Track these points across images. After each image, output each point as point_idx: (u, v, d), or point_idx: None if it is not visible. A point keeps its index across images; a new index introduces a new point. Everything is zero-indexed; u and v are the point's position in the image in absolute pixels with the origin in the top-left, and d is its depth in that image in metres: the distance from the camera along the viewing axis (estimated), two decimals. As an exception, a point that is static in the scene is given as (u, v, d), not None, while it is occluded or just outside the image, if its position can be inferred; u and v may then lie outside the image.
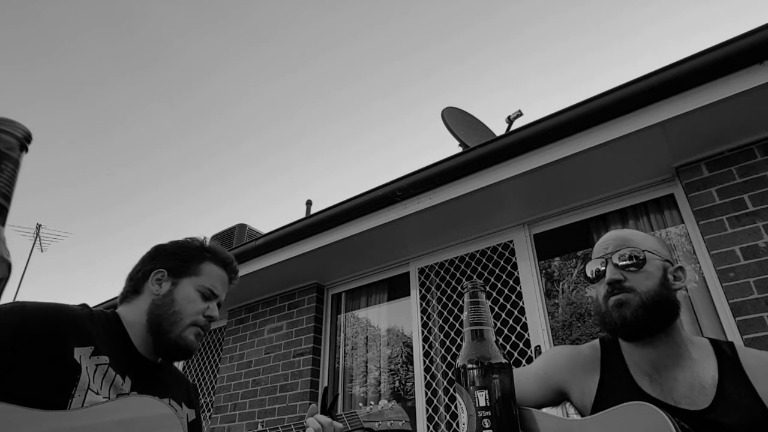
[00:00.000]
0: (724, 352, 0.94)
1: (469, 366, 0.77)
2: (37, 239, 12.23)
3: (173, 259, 1.15)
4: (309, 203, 5.24)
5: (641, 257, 0.97)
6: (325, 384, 3.50)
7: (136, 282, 1.14)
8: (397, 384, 4.39)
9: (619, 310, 0.95)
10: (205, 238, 1.24)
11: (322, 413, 1.13)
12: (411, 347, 3.29)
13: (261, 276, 3.71)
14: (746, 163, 2.25)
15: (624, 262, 0.98)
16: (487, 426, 0.72)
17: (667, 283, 0.97)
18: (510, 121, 3.96)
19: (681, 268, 1.00)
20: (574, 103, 2.37)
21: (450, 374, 3.00)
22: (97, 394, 0.91)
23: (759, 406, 0.84)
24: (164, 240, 1.23)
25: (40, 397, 0.83)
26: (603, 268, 1.00)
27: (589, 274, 1.04)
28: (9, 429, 0.73)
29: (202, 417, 1.26)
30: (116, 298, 1.18)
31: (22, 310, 0.89)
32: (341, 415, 1.18)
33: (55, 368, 0.87)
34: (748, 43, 1.97)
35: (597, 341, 1.08)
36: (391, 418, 1.27)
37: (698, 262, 2.35)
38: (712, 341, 0.98)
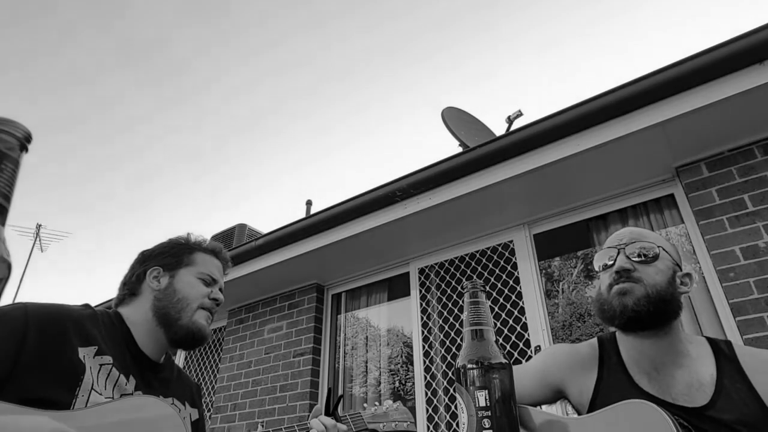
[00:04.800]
0: (722, 350, 0.94)
1: (469, 366, 0.77)
2: (37, 239, 12.23)
3: (164, 257, 1.17)
4: (309, 203, 5.24)
5: (654, 253, 0.98)
6: (326, 384, 3.51)
7: (131, 286, 1.14)
8: (397, 384, 4.40)
9: (621, 297, 0.94)
10: (189, 234, 1.25)
11: (326, 414, 1.12)
12: (411, 347, 3.29)
13: (261, 276, 3.71)
14: (746, 163, 2.25)
15: (635, 254, 0.98)
16: (487, 426, 0.72)
17: (675, 284, 0.97)
18: (510, 121, 3.96)
19: (689, 275, 1.01)
20: (574, 103, 2.37)
21: (450, 374, 3.00)
22: (101, 394, 0.91)
23: (757, 402, 0.85)
24: (160, 240, 1.24)
25: (43, 397, 0.83)
26: (614, 257, 1.00)
27: (597, 263, 1.04)
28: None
29: (205, 417, 1.26)
30: (112, 299, 1.18)
31: (25, 311, 0.89)
32: (346, 416, 1.18)
33: (59, 368, 0.87)
34: (748, 43, 1.97)
35: (595, 340, 1.09)
36: (396, 420, 1.26)
37: (698, 262, 2.35)
38: (710, 340, 0.98)
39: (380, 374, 3.59)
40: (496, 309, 2.96)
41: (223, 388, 3.95)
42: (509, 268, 3.01)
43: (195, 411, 1.18)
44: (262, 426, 3.42)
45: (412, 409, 3.05)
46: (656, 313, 0.93)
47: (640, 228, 1.06)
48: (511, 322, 2.88)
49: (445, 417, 2.91)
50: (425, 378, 3.09)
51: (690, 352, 0.96)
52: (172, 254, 1.18)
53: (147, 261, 1.17)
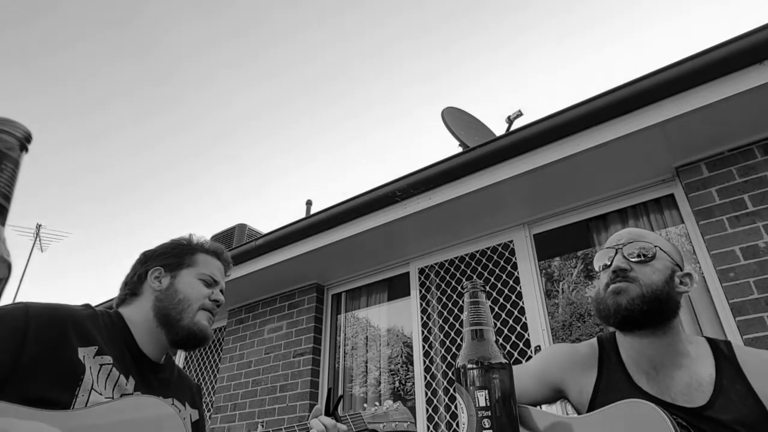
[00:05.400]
0: (721, 350, 0.95)
1: (469, 366, 0.77)
2: (37, 239, 12.23)
3: (166, 257, 1.17)
4: (309, 203, 5.24)
5: (652, 253, 0.98)
6: (326, 384, 3.51)
7: (132, 285, 1.14)
8: (397, 384, 4.40)
9: (616, 297, 0.95)
10: (191, 235, 1.25)
11: (326, 414, 1.12)
12: (411, 347, 3.29)
13: (261, 276, 3.71)
14: (746, 163, 2.25)
15: (634, 254, 0.99)
16: (487, 426, 0.72)
17: (672, 284, 0.98)
18: (510, 121, 3.96)
19: (689, 275, 1.01)
20: (574, 103, 2.37)
21: (450, 374, 3.00)
22: (101, 394, 0.91)
23: (756, 403, 0.85)
24: (160, 240, 1.24)
25: (43, 396, 0.83)
26: (612, 257, 1.01)
27: (597, 263, 1.05)
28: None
29: (205, 417, 1.26)
30: (113, 299, 1.18)
31: (26, 311, 0.88)
32: (345, 416, 1.17)
33: (59, 368, 0.87)
34: (748, 43, 1.97)
35: (594, 340, 1.09)
36: (396, 420, 1.26)
37: (698, 262, 2.35)
38: (709, 340, 0.98)
39: (380, 374, 3.59)
40: (496, 309, 2.96)
41: (223, 388, 3.95)
42: (509, 268, 3.01)
43: (195, 411, 1.18)
44: (262, 426, 3.42)
45: (412, 409, 3.05)
46: (651, 312, 0.93)
47: (639, 229, 1.07)
48: (511, 322, 2.88)
49: (445, 417, 2.91)
50: (425, 378, 3.09)
51: (689, 352, 0.96)
52: (174, 255, 1.18)
53: (149, 261, 1.17)
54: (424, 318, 3.27)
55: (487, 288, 2.98)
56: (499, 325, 2.90)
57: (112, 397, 0.94)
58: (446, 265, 3.33)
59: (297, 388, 3.47)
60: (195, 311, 1.11)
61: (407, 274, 3.48)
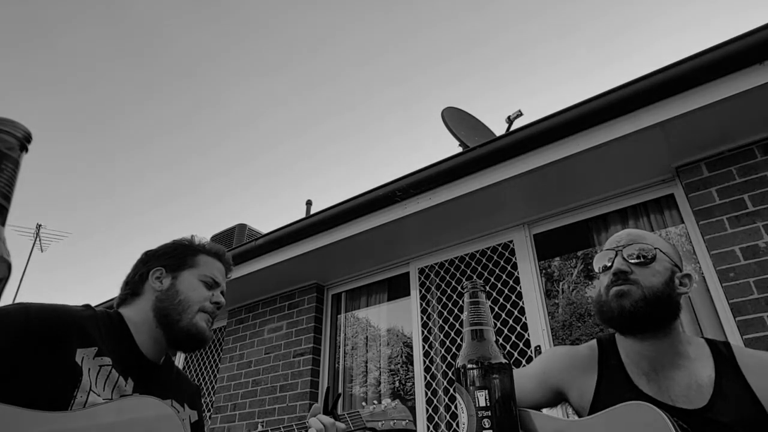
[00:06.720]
0: (721, 351, 0.94)
1: (469, 366, 0.76)
2: (37, 239, 12.22)
3: (168, 257, 1.17)
4: (309, 203, 5.24)
5: (651, 255, 0.98)
6: (326, 384, 3.50)
7: (133, 285, 1.14)
8: (397, 384, 4.39)
9: (619, 300, 0.95)
10: (193, 236, 1.25)
11: (324, 413, 1.12)
12: (411, 347, 3.29)
13: (261, 276, 3.71)
14: (746, 163, 2.25)
15: (633, 256, 0.99)
16: (487, 426, 0.72)
17: (672, 285, 0.98)
18: (510, 121, 3.96)
19: (688, 276, 1.01)
20: (574, 103, 2.37)
21: (450, 374, 3.00)
22: (99, 395, 0.91)
23: (756, 404, 0.85)
24: (160, 241, 1.24)
25: (42, 398, 0.83)
26: (612, 259, 1.01)
27: (597, 265, 1.05)
28: (11, 430, 0.73)
29: (204, 418, 1.26)
30: (113, 299, 1.18)
31: (26, 312, 0.88)
32: (344, 414, 1.17)
33: (58, 370, 0.87)
34: (748, 43, 1.97)
35: (594, 342, 1.09)
36: (394, 418, 1.26)
37: (698, 262, 2.35)
38: (709, 341, 0.98)
39: (380, 374, 3.59)
40: (496, 309, 2.96)
41: (223, 388, 3.94)
42: (509, 268, 3.01)
43: (194, 412, 1.18)
44: (262, 426, 3.42)
45: (412, 409, 3.05)
46: (653, 315, 0.93)
47: (638, 230, 1.07)
48: (511, 322, 2.88)
49: (445, 417, 2.91)
50: (425, 378, 3.09)
51: (689, 353, 0.96)
52: (176, 255, 1.17)
53: (150, 261, 1.17)
54: (424, 318, 3.27)
55: (487, 288, 2.98)
56: (499, 325, 2.90)
57: (111, 399, 0.93)
58: (446, 265, 3.33)
59: (297, 388, 3.47)
60: (194, 312, 1.11)
61: (407, 274, 3.48)
